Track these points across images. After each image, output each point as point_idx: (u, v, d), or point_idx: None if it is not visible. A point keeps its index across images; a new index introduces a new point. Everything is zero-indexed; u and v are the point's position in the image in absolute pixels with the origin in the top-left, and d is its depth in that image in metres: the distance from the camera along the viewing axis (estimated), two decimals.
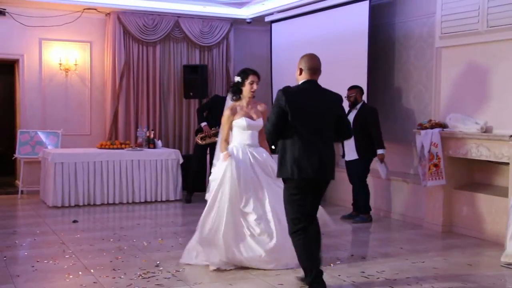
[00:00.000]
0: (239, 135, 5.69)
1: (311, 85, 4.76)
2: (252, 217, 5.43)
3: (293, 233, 4.72)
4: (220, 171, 5.49)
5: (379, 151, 7.90)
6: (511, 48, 6.46)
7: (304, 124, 4.62)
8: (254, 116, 5.70)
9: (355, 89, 8.08)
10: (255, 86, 5.61)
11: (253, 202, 5.46)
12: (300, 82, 4.80)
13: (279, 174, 4.77)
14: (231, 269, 5.37)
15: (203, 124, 9.29)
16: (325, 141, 4.72)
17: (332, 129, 4.79)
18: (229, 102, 5.93)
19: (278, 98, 4.64)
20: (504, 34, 6.69)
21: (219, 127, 9.21)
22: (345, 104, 7.98)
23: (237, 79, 5.68)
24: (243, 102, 5.72)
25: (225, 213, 5.35)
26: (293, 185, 4.67)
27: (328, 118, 4.73)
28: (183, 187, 9.73)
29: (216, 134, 9.20)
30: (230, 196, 5.40)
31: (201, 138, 9.24)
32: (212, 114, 9.29)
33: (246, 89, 5.66)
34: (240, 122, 5.63)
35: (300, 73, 4.78)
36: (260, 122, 5.68)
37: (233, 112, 5.68)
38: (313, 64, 4.77)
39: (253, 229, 5.40)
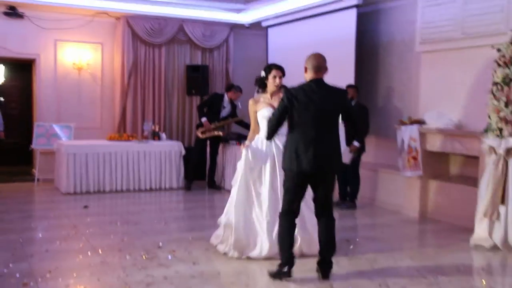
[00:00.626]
0: (265, 125, 5.36)
1: (315, 83, 4.68)
2: (264, 207, 5.31)
3: (285, 213, 4.70)
4: (240, 164, 5.45)
5: (355, 143, 7.86)
6: (483, 54, 6.50)
7: (305, 119, 4.58)
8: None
9: (352, 88, 8.07)
10: (277, 80, 5.38)
11: (267, 192, 5.33)
12: (307, 80, 4.75)
13: (282, 165, 4.77)
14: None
15: (203, 119, 9.34)
16: (326, 135, 4.65)
17: (336, 124, 4.75)
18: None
19: (283, 96, 4.67)
20: (477, 41, 6.75)
21: (218, 122, 9.33)
22: None
23: (262, 74, 5.49)
24: (268, 94, 5.53)
25: (236, 204, 5.33)
26: (291, 176, 4.66)
27: (331, 113, 4.68)
28: (185, 177, 9.77)
29: (215, 129, 9.28)
30: (241, 187, 5.37)
31: (202, 132, 9.30)
32: (211, 110, 9.36)
33: (269, 83, 5.45)
34: (263, 112, 5.44)
35: (306, 71, 4.73)
36: None
37: (256, 102, 5.54)
38: (317, 63, 4.69)
39: (262, 220, 5.28)
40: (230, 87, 9.73)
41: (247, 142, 5.61)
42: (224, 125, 9.45)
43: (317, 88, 4.65)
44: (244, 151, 5.40)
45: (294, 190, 4.68)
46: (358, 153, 8.01)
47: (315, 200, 4.80)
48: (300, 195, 4.72)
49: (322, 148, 4.59)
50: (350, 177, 8.12)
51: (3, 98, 12.10)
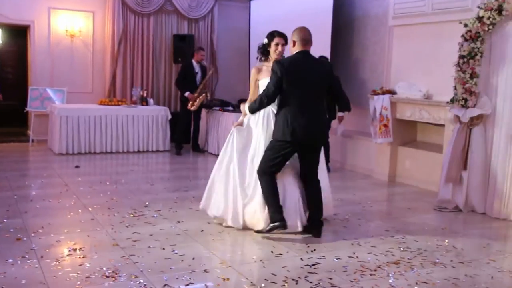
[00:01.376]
0: None
1: (303, 55, 4.55)
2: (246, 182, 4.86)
3: (263, 173, 4.55)
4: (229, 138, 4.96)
5: (340, 113, 7.82)
6: (451, 28, 6.39)
7: (297, 91, 4.44)
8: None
9: (324, 59, 7.94)
10: (280, 48, 4.81)
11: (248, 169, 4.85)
12: (294, 53, 4.60)
13: (273, 136, 4.59)
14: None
15: (186, 93, 9.08)
16: (316, 106, 4.53)
17: (323, 96, 4.64)
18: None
19: (274, 68, 4.45)
20: (446, 16, 6.63)
21: (195, 90, 9.04)
22: None
23: (265, 41, 4.92)
24: (270, 63, 4.86)
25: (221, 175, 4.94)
26: (281, 146, 4.50)
27: (320, 86, 4.56)
28: (171, 140, 9.62)
29: (200, 93, 9.03)
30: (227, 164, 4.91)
31: (191, 105, 9.05)
32: (187, 80, 9.11)
33: (272, 50, 4.86)
34: (264, 82, 4.79)
35: (294, 45, 4.58)
36: None
37: (258, 70, 4.94)
38: (304, 36, 4.55)
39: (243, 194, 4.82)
40: (192, 52, 9.51)
41: (240, 117, 5.03)
42: (204, 88, 9.16)
43: (305, 60, 4.53)
44: (232, 131, 4.94)
45: (280, 159, 4.53)
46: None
47: (303, 168, 4.68)
48: (283, 164, 4.59)
49: (313, 119, 4.50)
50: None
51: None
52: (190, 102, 9.01)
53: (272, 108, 4.77)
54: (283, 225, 4.50)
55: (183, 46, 10.55)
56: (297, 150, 4.59)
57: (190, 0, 11.03)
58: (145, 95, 9.91)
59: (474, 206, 5.82)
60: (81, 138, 8.84)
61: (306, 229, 4.70)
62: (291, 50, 4.64)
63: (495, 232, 5.24)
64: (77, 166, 7.75)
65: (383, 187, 7.16)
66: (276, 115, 4.61)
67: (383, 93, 7.35)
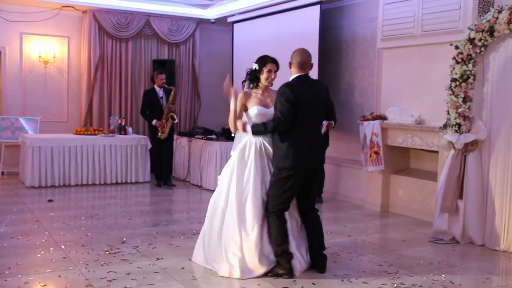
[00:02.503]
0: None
1: (305, 80, 4.55)
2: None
3: (271, 212, 4.47)
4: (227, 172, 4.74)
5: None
6: (442, 50, 6.45)
7: (304, 117, 4.43)
8: (270, 103, 4.68)
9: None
10: (273, 75, 4.69)
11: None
12: (293, 76, 4.56)
13: (277, 163, 4.49)
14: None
15: (154, 121, 8.94)
16: (316, 130, 4.60)
17: (321, 118, 4.71)
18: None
19: (285, 92, 4.37)
20: (436, 38, 6.69)
21: (160, 118, 8.90)
22: None
23: (254, 66, 4.72)
24: (259, 90, 4.75)
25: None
26: (286, 172, 4.43)
27: (322, 109, 4.64)
28: (151, 171, 9.52)
29: (166, 118, 8.89)
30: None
31: (162, 133, 8.95)
32: (153, 108, 8.95)
33: (263, 77, 4.68)
34: (254, 110, 4.64)
35: (290, 67, 4.58)
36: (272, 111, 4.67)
37: (247, 96, 4.70)
38: (303, 59, 4.52)
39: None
40: (151, 77, 9.41)
41: (238, 123, 4.65)
42: (169, 112, 9.02)
43: (308, 84, 4.54)
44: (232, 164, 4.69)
45: (289, 193, 4.46)
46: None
47: (304, 195, 4.63)
48: (291, 199, 4.54)
49: (317, 144, 4.59)
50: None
51: None
52: (160, 131, 8.91)
53: (263, 139, 4.65)
54: (289, 275, 4.43)
55: (163, 71, 10.52)
56: (302, 178, 4.51)
57: (170, 24, 11.10)
58: (123, 123, 9.84)
59: (472, 237, 5.77)
60: (55, 170, 8.72)
61: (314, 263, 4.67)
62: (291, 71, 4.60)
63: (495, 265, 5.17)
64: (50, 200, 7.61)
65: (375, 218, 7.11)
66: (278, 140, 4.49)
67: (373, 118, 7.36)
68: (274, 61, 4.73)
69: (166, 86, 9.02)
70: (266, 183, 4.59)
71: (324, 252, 4.73)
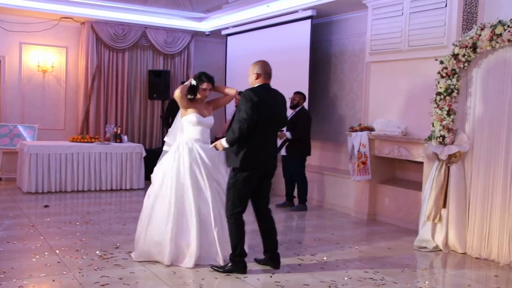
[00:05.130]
0: (190, 131, 5.06)
1: (267, 88, 4.74)
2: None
3: (230, 215, 4.65)
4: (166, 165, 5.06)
5: (288, 134, 7.82)
6: (427, 65, 6.50)
7: (264, 122, 4.57)
8: (206, 113, 5.12)
9: (299, 95, 8.03)
10: (207, 93, 5.11)
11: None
12: (257, 84, 4.72)
13: (231, 164, 4.64)
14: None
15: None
16: (274, 136, 4.81)
17: (279, 125, 4.91)
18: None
19: (249, 95, 4.52)
20: (421, 53, 6.74)
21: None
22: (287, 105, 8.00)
23: (193, 82, 5.08)
24: (197, 100, 5.14)
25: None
26: (243, 176, 4.58)
27: (279, 117, 4.79)
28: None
29: None
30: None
31: None
32: (173, 117, 8.93)
33: (199, 93, 5.10)
34: (190, 117, 5.02)
35: (257, 78, 4.71)
36: (211, 120, 5.15)
37: (187, 98, 5.08)
38: (268, 70, 4.76)
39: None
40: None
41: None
42: None
43: (269, 92, 4.72)
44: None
45: (249, 189, 4.64)
46: (285, 143, 7.95)
47: (258, 197, 4.79)
48: (248, 192, 4.68)
49: (273, 150, 4.78)
50: (298, 181, 8.03)
51: None
52: None
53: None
54: (243, 272, 4.67)
55: (159, 82, 10.58)
56: (257, 180, 4.68)
57: (166, 36, 11.12)
58: (119, 132, 9.81)
59: (455, 245, 5.78)
60: (51, 176, 8.67)
61: (262, 262, 4.90)
62: (252, 83, 4.74)
63: (476, 272, 5.18)
64: (46, 206, 7.57)
65: (362, 226, 7.12)
66: (238, 144, 4.58)
67: (361, 129, 7.39)
68: (210, 80, 5.11)
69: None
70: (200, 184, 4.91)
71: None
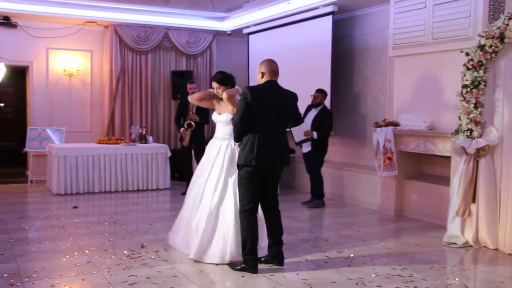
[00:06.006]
0: (216, 128, 5.31)
1: (272, 85, 4.72)
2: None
3: (240, 212, 4.68)
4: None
5: (314, 134, 7.77)
6: (452, 57, 6.37)
7: (264, 117, 4.57)
8: (221, 110, 5.19)
9: (321, 93, 7.96)
10: (218, 91, 5.14)
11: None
12: (262, 82, 4.75)
13: (238, 161, 4.68)
14: None
15: (181, 130, 8.81)
16: (281, 132, 4.74)
17: (287, 122, 4.89)
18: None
19: (244, 94, 4.57)
20: (446, 45, 6.60)
21: (187, 127, 8.83)
22: (307, 101, 7.92)
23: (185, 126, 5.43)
24: (218, 99, 5.25)
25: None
26: (249, 171, 4.59)
27: (285, 113, 4.74)
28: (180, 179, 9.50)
29: (187, 128, 8.75)
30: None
31: (183, 141, 8.81)
32: (185, 117, 8.93)
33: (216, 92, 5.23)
34: (213, 115, 5.30)
35: (262, 76, 4.74)
36: (224, 117, 5.14)
37: (215, 99, 5.30)
38: (273, 68, 4.74)
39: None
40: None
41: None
42: (189, 118, 8.68)
43: (273, 89, 4.69)
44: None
45: (254, 186, 4.62)
46: (307, 140, 7.88)
47: (264, 195, 4.76)
48: (256, 187, 4.66)
49: (278, 145, 4.68)
50: (313, 176, 7.95)
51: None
52: (184, 139, 8.85)
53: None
54: (253, 271, 4.60)
55: (182, 82, 10.56)
56: (263, 174, 4.68)
57: (188, 36, 11.14)
58: (144, 132, 9.87)
59: (486, 241, 5.64)
60: (79, 178, 8.77)
61: (265, 259, 4.82)
62: (259, 81, 4.79)
63: (509, 269, 5.01)
64: (75, 207, 7.65)
65: (389, 222, 7.01)
66: (243, 140, 4.66)
67: (386, 125, 7.27)
68: (214, 80, 5.20)
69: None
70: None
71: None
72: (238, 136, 4.68)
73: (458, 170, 5.79)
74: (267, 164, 4.62)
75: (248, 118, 4.54)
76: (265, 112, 4.57)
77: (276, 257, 4.81)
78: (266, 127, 4.60)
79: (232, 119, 4.71)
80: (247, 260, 4.61)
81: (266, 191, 4.76)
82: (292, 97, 4.81)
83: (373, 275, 4.59)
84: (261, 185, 4.69)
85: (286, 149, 4.81)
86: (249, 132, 4.59)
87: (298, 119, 4.96)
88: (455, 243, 5.71)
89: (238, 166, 4.71)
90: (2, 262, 4.79)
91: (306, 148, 7.96)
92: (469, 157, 5.67)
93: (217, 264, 4.82)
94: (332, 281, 4.42)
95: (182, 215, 5.37)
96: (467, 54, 5.68)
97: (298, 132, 7.85)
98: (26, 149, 9.84)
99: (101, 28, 10.65)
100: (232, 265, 4.71)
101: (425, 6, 6.84)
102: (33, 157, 9.88)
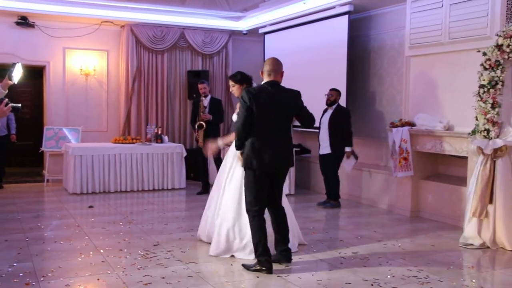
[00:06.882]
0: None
1: (271, 85, 4.66)
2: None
3: (249, 213, 4.69)
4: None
5: (347, 149, 7.77)
6: (469, 57, 6.31)
7: (264, 119, 4.55)
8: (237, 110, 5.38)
9: (335, 91, 7.93)
10: (233, 89, 5.33)
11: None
12: (262, 82, 4.74)
13: (243, 164, 4.70)
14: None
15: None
16: (282, 134, 4.69)
17: (290, 122, 4.82)
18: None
19: (242, 95, 4.58)
20: (463, 45, 6.55)
21: (198, 128, 8.84)
22: (322, 101, 7.93)
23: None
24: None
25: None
26: (252, 173, 4.60)
27: (287, 113, 4.69)
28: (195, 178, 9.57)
29: (200, 126, 8.76)
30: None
31: (198, 142, 8.85)
32: (195, 118, 8.91)
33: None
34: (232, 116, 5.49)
35: (262, 75, 4.75)
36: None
37: None
38: (272, 66, 4.68)
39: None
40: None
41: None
42: (200, 119, 8.72)
43: (273, 90, 4.63)
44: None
45: (260, 188, 4.62)
46: (339, 155, 7.88)
47: (270, 195, 4.75)
48: (262, 188, 4.65)
49: (280, 147, 4.64)
50: (330, 177, 7.92)
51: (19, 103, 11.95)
52: (199, 140, 8.84)
53: None
54: (268, 272, 4.58)
55: (198, 82, 10.55)
56: (268, 177, 4.67)
57: (204, 36, 11.16)
58: (159, 132, 9.92)
59: (503, 242, 5.58)
60: (95, 177, 8.84)
61: (274, 259, 4.76)
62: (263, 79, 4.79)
63: None
64: (90, 206, 7.72)
65: (405, 223, 6.96)
66: (246, 143, 4.65)
67: (402, 125, 7.23)
68: (230, 77, 5.44)
69: (213, 96, 8.97)
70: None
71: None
72: (241, 144, 4.64)
73: (475, 171, 5.73)
74: (270, 167, 4.59)
75: (251, 122, 4.53)
76: (265, 114, 4.53)
77: (283, 254, 4.81)
78: (267, 129, 4.57)
79: (234, 125, 4.71)
80: (262, 261, 4.60)
81: (271, 191, 4.76)
82: (294, 96, 4.73)
83: (388, 276, 4.57)
84: (267, 186, 4.68)
85: (288, 150, 4.77)
86: (249, 135, 4.57)
87: (307, 118, 4.81)
88: (471, 244, 5.65)
89: (243, 168, 4.71)
90: (18, 261, 4.84)
91: (325, 150, 7.92)
92: (486, 157, 5.62)
93: (232, 264, 4.84)
94: (347, 282, 4.40)
95: (207, 214, 5.56)
96: (484, 54, 5.63)
97: (323, 144, 7.92)
98: (42, 149, 9.93)
99: (117, 28, 10.72)
100: (247, 266, 4.72)
101: (442, 6, 6.79)
102: (50, 157, 9.98)
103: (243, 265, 4.76)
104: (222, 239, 5.10)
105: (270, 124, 4.58)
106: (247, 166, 4.61)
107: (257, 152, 4.54)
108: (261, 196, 4.65)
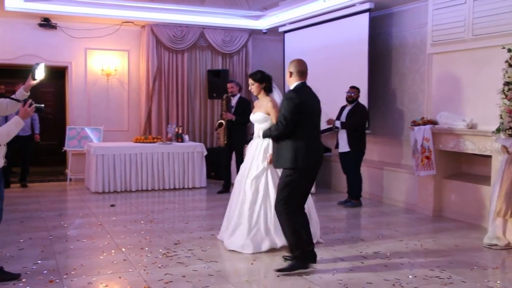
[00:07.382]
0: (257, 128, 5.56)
1: (307, 86, 4.71)
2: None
3: (289, 211, 4.57)
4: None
5: (337, 122, 7.86)
6: (493, 54, 6.21)
7: (310, 120, 4.60)
8: (256, 110, 5.47)
9: (356, 89, 7.90)
10: (252, 88, 5.45)
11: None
12: (294, 84, 4.68)
13: (283, 164, 4.59)
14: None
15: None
16: (319, 134, 4.79)
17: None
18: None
19: (291, 97, 4.51)
20: (487, 42, 6.45)
21: (218, 126, 8.87)
22: (342, 98, 7.96)
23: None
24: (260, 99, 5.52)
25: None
26: (298, 173, 4.53)
27: (319, 114, 4.78)
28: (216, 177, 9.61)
29: (220, 124, 8.76)
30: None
31: (220, 139, 8.90)
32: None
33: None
34: (256, 116, 5.47)
35: (290, 76, 4.70)
36: (255, 116, 5.42)
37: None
38: (302, 68, 4.70)
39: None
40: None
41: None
42: (222, 118, 8.75)
43: (309, 91, 4.71)
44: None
45: (305, 186, 4.64)
46: (330, 130, 8.10)
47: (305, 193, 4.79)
48: (304, 188, 4.67)
49: (320, 145, 4.75)
50: (352, 176, 7.87)
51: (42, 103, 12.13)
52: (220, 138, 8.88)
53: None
54: (305, 267, 4.62)
55: (218, 81, 10.64)
56: (311, 176, 4.69)
57: (223, 35, 11.18)
58: (180, 131, 9.97)
59: None
60: (117, 177, 8.93)
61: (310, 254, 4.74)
62: (288, 81, 4.76)
63: None
64: (112, 205, 7.80)
65: (427, 222, 6.89)
66: (285, 143, 4.57)
67: (424, 123, 7.15)
68: (250, 76, 5.55)
69: (240, 96, 8.95)
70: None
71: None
72: (282, 135, 4.55)
73: (499, 170, 5.64)
74: (316, 165, 4.65)
75: (296, 120, 4.49)
76: (308, 114, 4.56)
77: (314, 254, 4.74)
78: (314, 130, 4.65)
79: (282, 117, 4.53)
80: (308, 251, 4.59)
81: (307, 190, 4.78)
82: (318, 99, 4.82)
83: (410, 277, 4.52)
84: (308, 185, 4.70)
85: (323, 151, 4.89)
86: (293, 134, 4.52)
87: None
88: (496, 245, 5.56)
89: (288, 169, 4.57)
90: (42, 259, 4.92)
91: (344, 148, 7.88)
92: (511, 156, 5.52)
93: (252, 263, 4.84)
94: (368, 282, 4.37)
95: (229, 213, 5.62)
96: (509, 51, 5.55)
97: (342, 142, 7.93)
98: (65, 148, 10.06)
99: (138, 28, 10.80)
100: (287, 269, 4.60)
101: (465, 2, 6.69)
102: (72, 156, 10.11)
103: (277, 270, 4.62)
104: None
105: (314, 123, 4.68)
106: (294, 165, 4.51)
107: (306, 150, 4.51)
108: (304, 195, 4.70)
